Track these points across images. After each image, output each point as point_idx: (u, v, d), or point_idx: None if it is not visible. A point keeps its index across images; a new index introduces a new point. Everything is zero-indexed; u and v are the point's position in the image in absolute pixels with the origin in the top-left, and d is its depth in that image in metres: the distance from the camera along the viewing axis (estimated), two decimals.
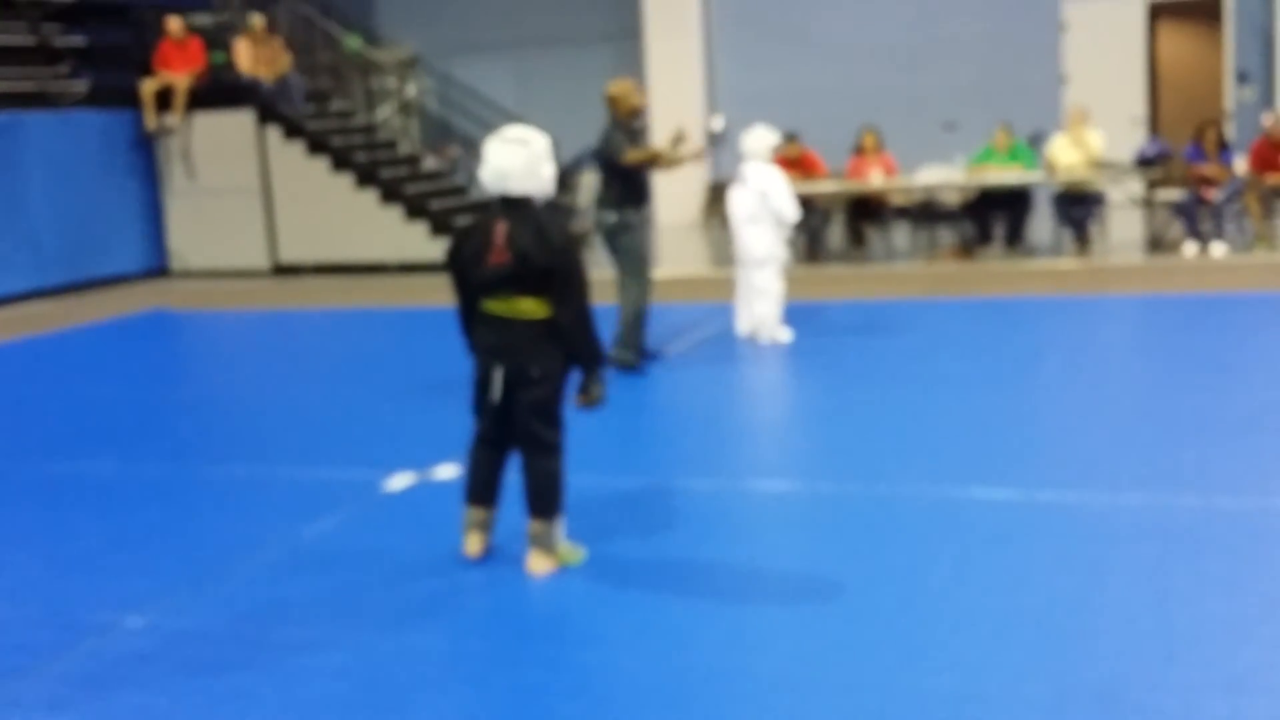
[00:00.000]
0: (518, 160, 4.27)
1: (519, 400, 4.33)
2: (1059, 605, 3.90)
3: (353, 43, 16.27)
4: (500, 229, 4.25)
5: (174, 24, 14.06)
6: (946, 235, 12.33)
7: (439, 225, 13.27)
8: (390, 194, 13.56)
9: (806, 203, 12.24)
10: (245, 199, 14.07)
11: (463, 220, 13.27)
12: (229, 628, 4.08)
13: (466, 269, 4.35)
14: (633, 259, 7.71)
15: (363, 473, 5.77)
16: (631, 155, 7.61)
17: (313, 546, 4.86)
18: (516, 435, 4.41)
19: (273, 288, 13.30)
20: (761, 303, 8.50)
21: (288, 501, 5.49)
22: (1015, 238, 11.92)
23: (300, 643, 3.93)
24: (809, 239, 12.47)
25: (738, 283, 8.80)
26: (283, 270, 14.07)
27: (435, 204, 13.63)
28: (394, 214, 13.49)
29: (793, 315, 8.78)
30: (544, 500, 4.40)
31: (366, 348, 9.62)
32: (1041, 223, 12.30)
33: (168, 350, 10.37)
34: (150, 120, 14.01)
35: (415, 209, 13.47)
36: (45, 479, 6.10)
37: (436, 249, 13.28)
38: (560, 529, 4.47)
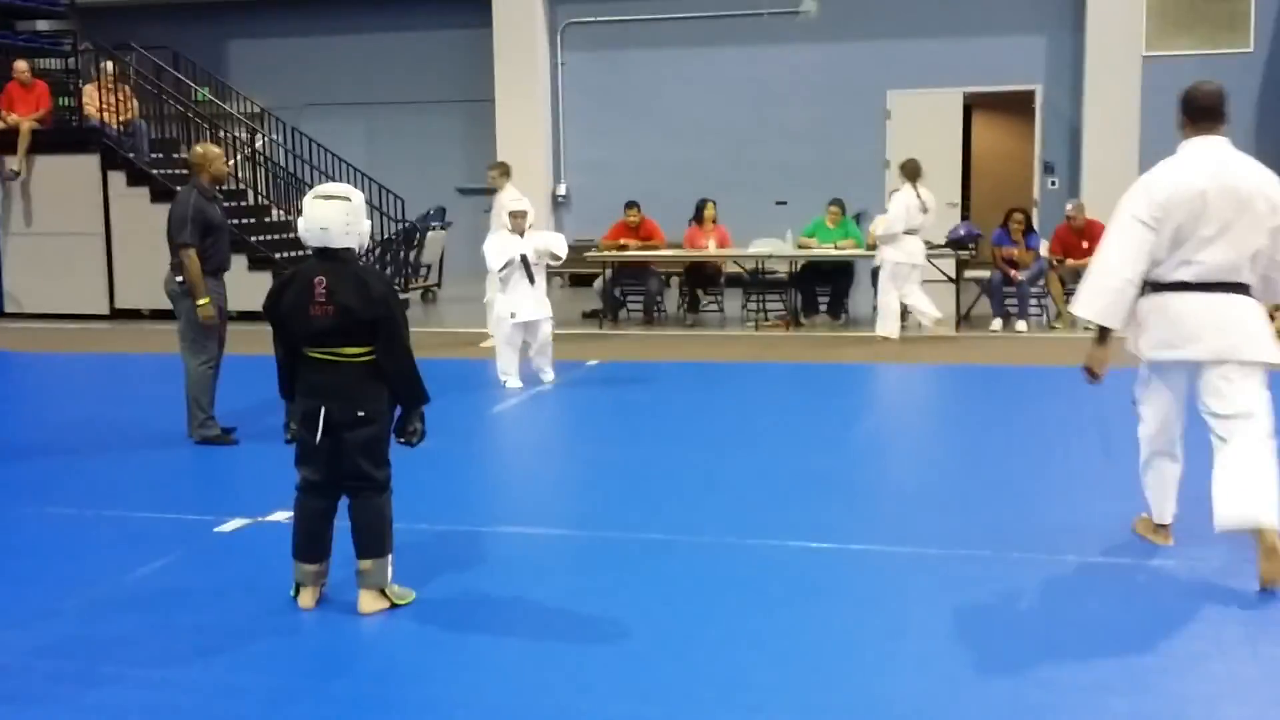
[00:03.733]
0: (337, 215, 4.55)
1: (346, 440, 4.57)
2: (838, 641, 4.34)
3: (204, 93, 16.32)
4: (320, 282, 4.51)
5: (20, 67, 13.99)
6: (775, 304, 12.98)
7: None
8: (235, 243, 13.58)
9: (645, 267, 12.83)
10: (86, 243, 13.99)
11: None
12: (53, 664, 4.21)
13: (287, 319, 4.59)
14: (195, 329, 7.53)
15: (195, 516, 5.95)
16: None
17: (140, 586, 5.02)
18: (344, 476, 4.64)
19: (109, 332, 13.22)
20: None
21: (117, 543, 5.62)
22: (838, 308, 12.63)
23: (116, 679, 4.07)
24: (646, 302, 12.99)
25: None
26: (120, 314, 13.99)
27: (280, 255, 13.76)
28: (238, 263, 13.52)
29: (623, 373, 9.26)
30: (374, 539, 4.64)
31: None
32: (863, 295, 13.07)
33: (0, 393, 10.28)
34: None
35: (259, 260, 13.57)
36: None
37: None
38: (389, 569, 4.73)
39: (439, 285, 15.52)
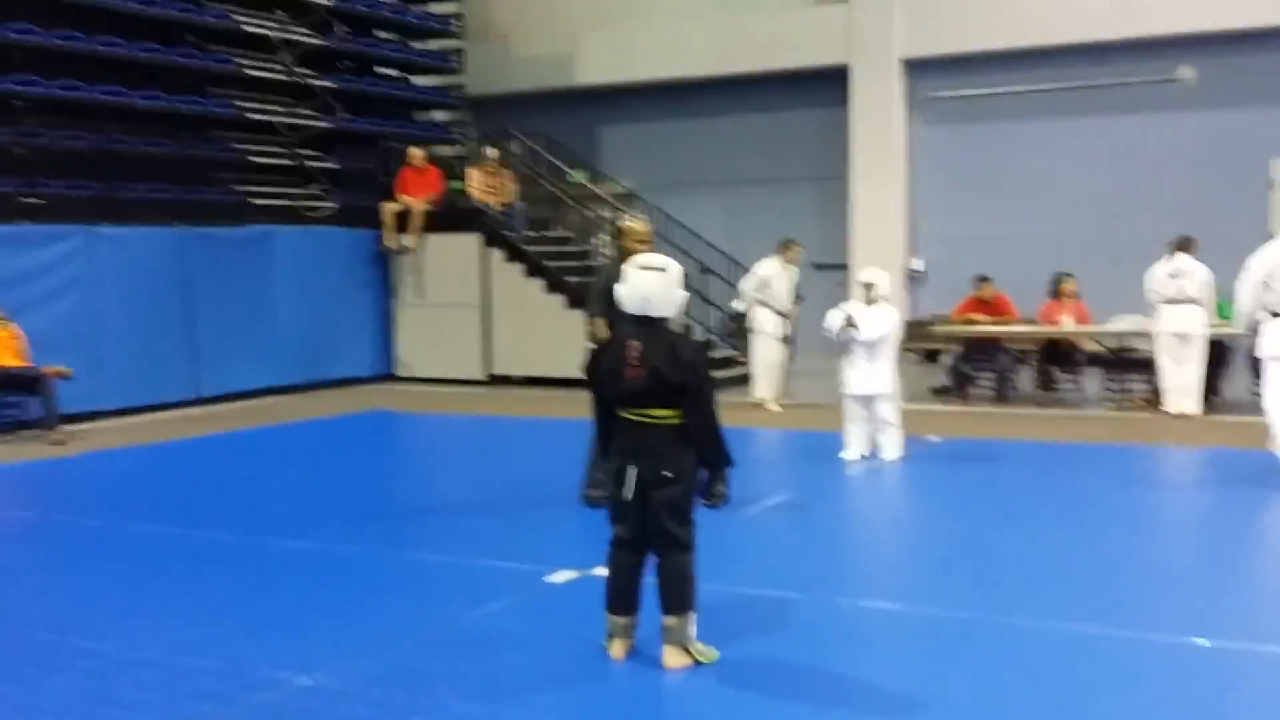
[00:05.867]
0: (658, 285, 4.81)
1: (653, 499, 4.78)
2: None
3: (578, 176, 17.42)
4: (634, 347, 4.76)
5: (416, 154, 15.44)
6: (1139, 383, 12.27)
7: None
8: None
9: (996, 344, 12.48)
10: (466, 314, 15.16)
11: None
12: (383, 693, 4.60)
13: (604, 383, 4.87)
14: None
15: (530, 566, 6.32)
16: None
17: (472, 626, 5.41)
18: (651, 534, 4.84)
19: (485, 396, 14.23)
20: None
21: (459, 586, 6.08)
22: (1211, 391, 11.78)
23: (437, 710, 4.41)
24: (997, 380, 12.62)
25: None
26: (496, 380, 15.04)
27: None
28: None
29: (965, 450, 9.06)
30: (677, 596, 4.81)
31: (562, 454, 10.23)
32: (1241, 378, 12.13)
33: (381, 446, 11.31)
34: (389, 239, 15.34)
35: None
36: (256, 551, 6.88)
37: None
38: (692, 626, 4.86)
39: (792, 358, 15.67)
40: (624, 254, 7.25)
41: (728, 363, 15.06)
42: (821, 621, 5.45)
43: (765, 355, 12.67)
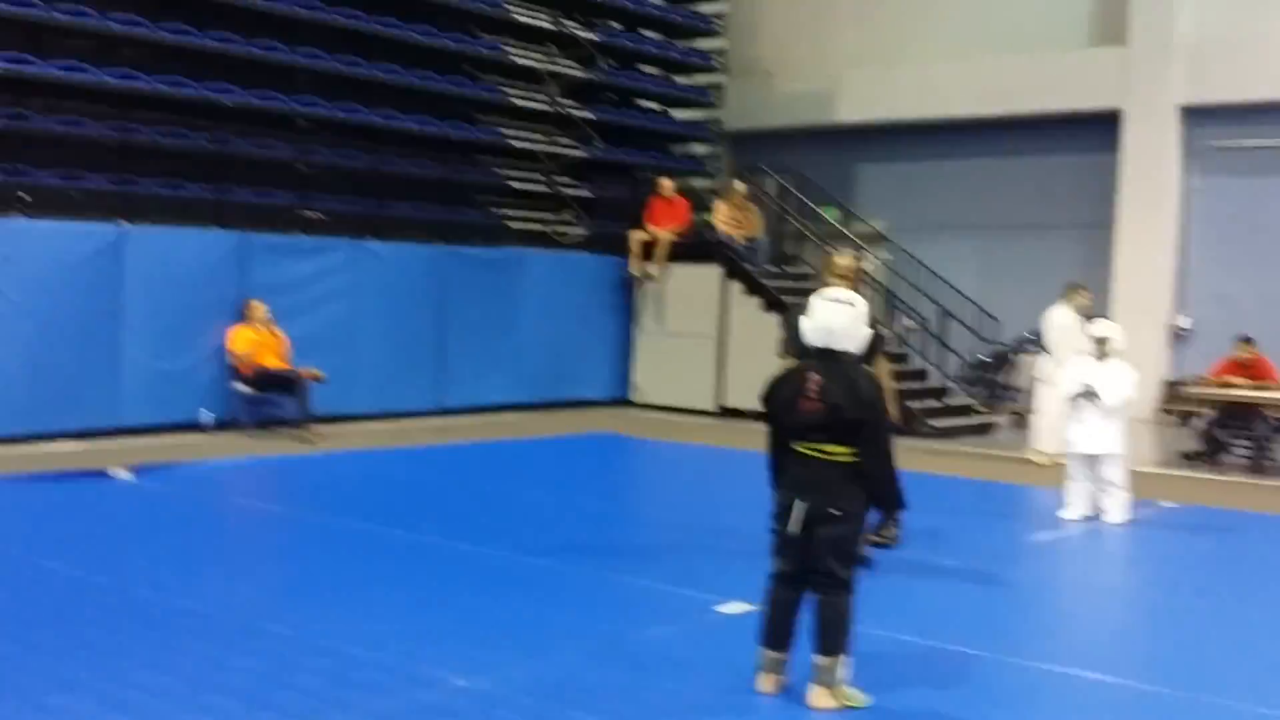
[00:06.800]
0: (844, 319, 4.80)
1: (818, 535, 4.73)
2: None
3: (830, 213, 17.36)
4: (814, 380, 4.74)
5: (665, 185, 15.77)
6: None
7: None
8: None
9: (1253, 409, 11.71)
10: (702, 344, 15.33)
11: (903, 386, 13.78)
12: (532, 701, 4.72)
13: (780, 413, 4.86)
14: None
15: (705, 594, 6.35)
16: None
17: (637, 646, 5.49)
18: (813, 570, 4.79)
19: (713, 426, 14.34)
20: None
21: (634, 607, 6.19)
22: None
23: None
24: (1253, 448, 11.80)
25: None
26: (726, 412, 15.12)
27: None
28: None
29: (1198, 519, 8.59)
30: (831, 636, 4.75)
31: None
32: None
33: (604, 468, 11.60)
34: (634, 266, 15.70)
35: None
36: (457, 556, 7.19)
37: None
38: (845, 669, 4.78)
39: (1032, 410, 15.10)
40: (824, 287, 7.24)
41: (966, 410, 14.66)
42: (998, 681, 5.27)
43: (1049, 407, 11.99)
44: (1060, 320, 11.92)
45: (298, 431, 11.65)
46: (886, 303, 16.16)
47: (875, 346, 7.14)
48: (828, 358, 4.82)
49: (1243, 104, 15.71)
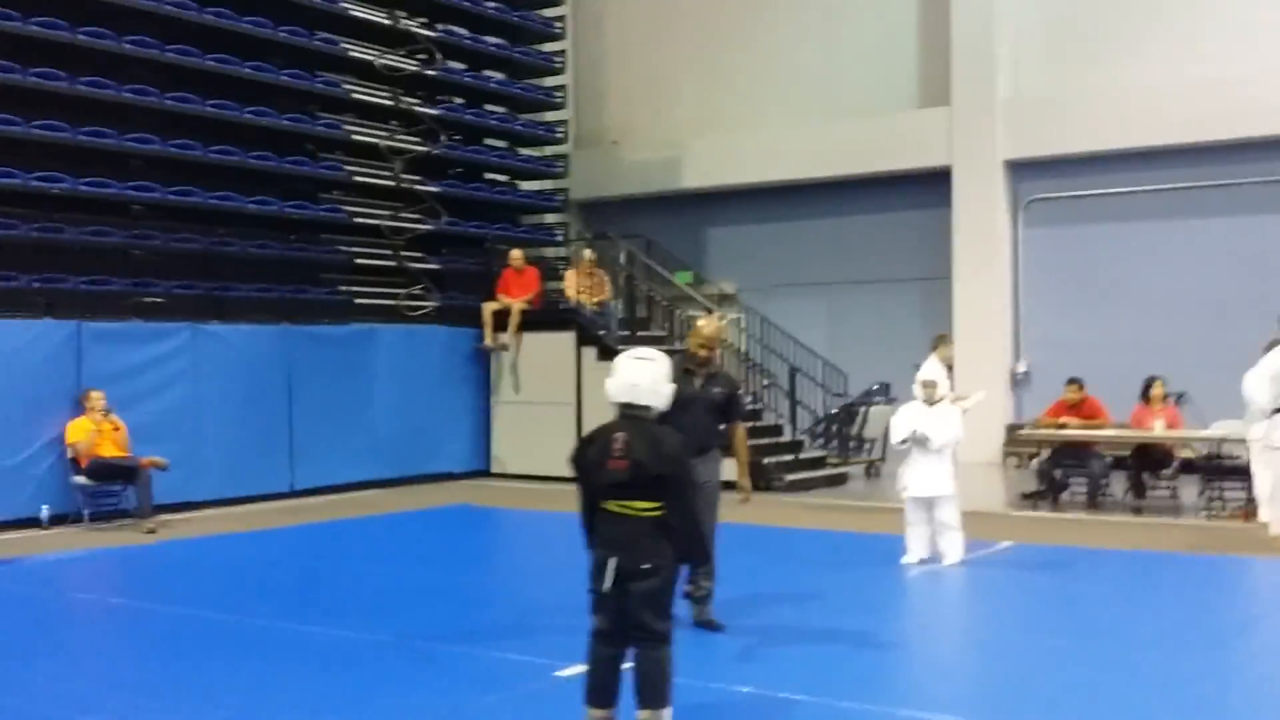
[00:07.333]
0: (646, 375, 4.92)
1: (632, 591, 4.79)
2: None
3: (684, 278, 17.65)
4: (619, 438, 4.84)
5: (515, 255, 15.88)
6: (1237, 492, 11.77)
7: (724, 447, 14.01)
8: None
9: (1087, 448, 12.17)
10: (559, 411, 15.36)
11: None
12: None
13: (589, 472, 4.94)
14: None
15: (545, 660, 6.34)
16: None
17: (468, 716, 5.47)
18: (630, 626, 4.84)
19: (572, 492, 14.29)
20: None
21: (475, 677, 6.15)
22: None
23: None
24: (1089, 486, 12.27)
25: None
26: None
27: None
28: None
29: (1034, 558, 8.91)
30: (651, 690, 4.80)
31: None
32: None
33: (456, 540, 11.48)
34: (488, 337, 15.73)
35: None
36: (286, 639, 7.03)
37: (723, 468, 14.00)
38: None
39: (883, 459, 15.49)
40: (689, 353, 7.25)
41: (819, 463, 14.96)
42: None
43: None
44: (930, 372, 12.21)
45: (140, 521, 11.34)
46: (741, 362, 16.44)
47: (734, 409, 7.29)
48: (632, 416, 4.91)
49: (1062, 156, 16.53)
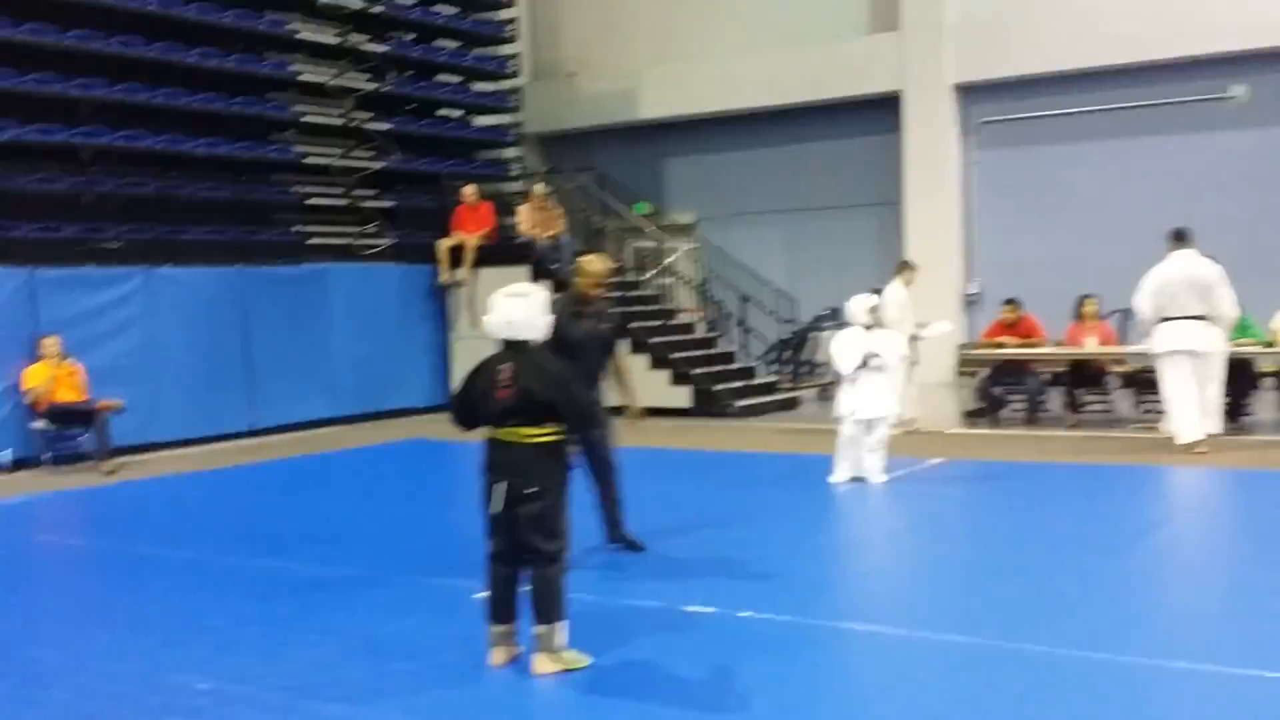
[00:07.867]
0: (521, 311, 5.16)
1: (520, 514, 5.06)
2: None
3: (642, 209, 17.82)
4: (505, 369, 5.10)
5: (468, 191, 16.01)
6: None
7: (679, 375, 14.33)
8: (639, 345, 14.74)
9: (1023, 367, 12.46)
10: None
11: (698, 372, 14.30)
12: (281, 698, 4.95)
13: (477, 402, 5.21)
14: None
15: (465, 582, 6.62)
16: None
17: (389, 637, 5.76)
18: (520, 547, 5.12)
19: None
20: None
21: (395, 602, 6.44)
22: (1237, 412, 11.57)
23: (313, 714, 4.75)
24: (1027, 402, 12.58)
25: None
26: None
27: (676, 355, 14.68)
28: (640, 362, 14.63)
29: (963, 472, 9.29)
30: (545, 606, 5.08)
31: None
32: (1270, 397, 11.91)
33: (406, 474, 11.76)
34: (443, 274, 15.90)
35: (660, 359, 14.56)
36: (226, 571, 7.31)
37: (677, 396, 14.31)
38: (562, 634, 5.11)
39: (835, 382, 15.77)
40: (578, 293, 7.29)
41: (770, 388, 15.26)
42: (729, 635, 5.62)
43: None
44: (895, 297, 12.43)
45: (99, 464, 11.60)
46: (698, 291, 16.68)
47: (614, 339, 7.44)
48: (514, 347, 5.16)
49: (1011, 79, 16.65)
